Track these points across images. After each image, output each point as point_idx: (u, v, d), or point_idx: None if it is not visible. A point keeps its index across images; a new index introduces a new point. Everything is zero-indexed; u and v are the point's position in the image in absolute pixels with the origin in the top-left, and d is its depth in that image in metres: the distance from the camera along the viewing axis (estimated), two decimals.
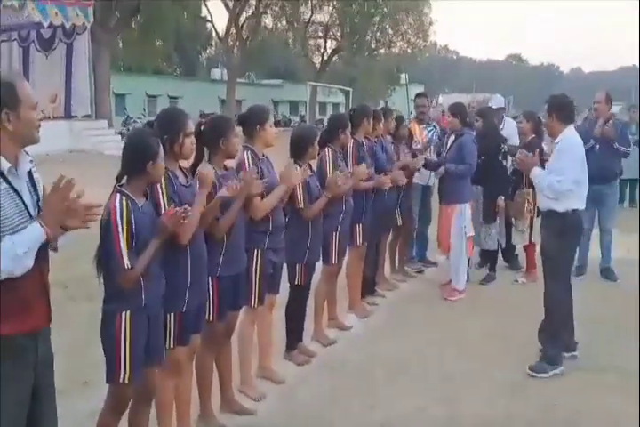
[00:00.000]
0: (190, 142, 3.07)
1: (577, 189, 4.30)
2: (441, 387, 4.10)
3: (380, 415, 3.73)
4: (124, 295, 2.71)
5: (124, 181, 2.77)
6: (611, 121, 6.59)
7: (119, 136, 21.54)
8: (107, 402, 2.88)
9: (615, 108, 11.87)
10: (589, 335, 4.70)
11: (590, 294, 6.10)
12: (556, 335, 4.35)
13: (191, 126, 3.09)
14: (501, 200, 6.35)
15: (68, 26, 19.13)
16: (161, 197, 2.93)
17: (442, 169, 6.01)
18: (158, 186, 2.93)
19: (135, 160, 2.75)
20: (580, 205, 4.37)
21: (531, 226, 6.47)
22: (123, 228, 2.63)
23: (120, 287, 2.69)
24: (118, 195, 2.69)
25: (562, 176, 4.23)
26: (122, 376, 2.74)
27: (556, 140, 4.39)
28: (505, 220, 6.65)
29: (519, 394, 4.01)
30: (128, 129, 24.74)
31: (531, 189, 6.02)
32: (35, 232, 2.10)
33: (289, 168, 3.84)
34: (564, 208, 4.29)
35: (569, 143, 4.35)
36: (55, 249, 2.34)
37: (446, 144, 6.27)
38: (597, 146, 6.51)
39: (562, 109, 4.39)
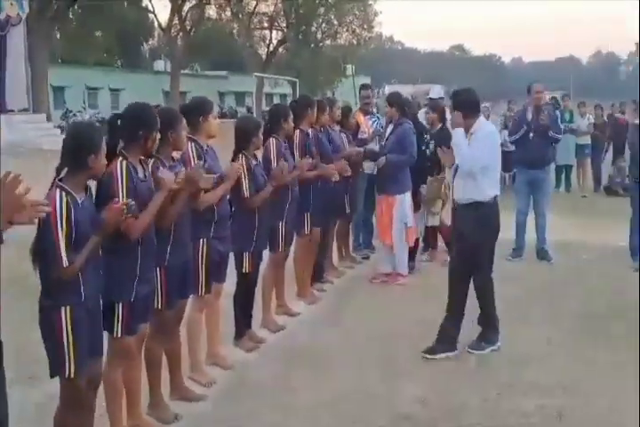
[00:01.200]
0: (158, 137, 3.13)
1: (488, 175, 4.39)
2: (383, 368, 4.23)
3: (324, 395, 3.84)
4: (62, 290, 2.68)
5: (63, 174, 2.73)
6: (546, 111, 6.87)
7: (58, 130, 21.04)
8: (61, 397, 2.86)
9: (557, 96, 12.29)
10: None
11: (525, 274, 6.41)
12: (491, 315, 4.55)
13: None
14: (423, 189, 6.45)
15: (1, 17, 18.53)
16: (120, 191, 2.93)
17: (382, 159, 6.00)
18: (119, 180, 2.92)
19: (76, 153, 2.72)
20: (497, 190, 4.50)
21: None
22: (62, 225, 2.60)
23: (58, 283, 2.66)
24: (58, 190, 2.65)
25: (473, 153, 4.38)
26: (67, 371, 2.72)
27: (470, 131, 4.44)
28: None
29: (458, 375, 4.19)
30: (68, 123, 24.17)
31: (446, 174, 6.26)
32: None
33: (233, 167, 3.92)
34: (485, 197, 4.38)
35: (485, 132, 4.45)
36: (1, 241, 2.34)
37: (384, 134, 6.31)
38: (531, 133, 6.78)
39: (467, 106, 4.46)
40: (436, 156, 5.56)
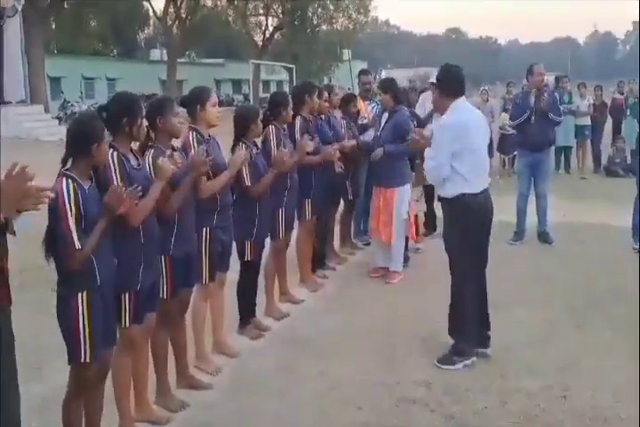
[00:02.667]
0: (144, 124, 3.14)
1: (458, 173, 3.91)
2: (387, 354, 4.27)
3: (329, 381, 3.88)
4: (78, 277, 2.76)
5: (68, 165, 2.80)
6: (546, 93, 6.84)
7: (56, 121, 20.98)
8: (69, 384, 2.92)
9: (551, 78, 12.27)
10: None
11: (526, 257, 6.43)
12: (463, 328, 4.08)
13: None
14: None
15: None
16: (115, 180, 2.96)
17: (379, 151, 5.61)
18: (112, 169, 2.96)
19: (80, 143, 2.79)
20: (470, 188, 3.93)
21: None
22: (71, 209, 2.67)
23: (74, 269, 2.73)
24: (64, 178, 2.73)
25: (435, 161, 3.96)
26: (83, 356, 2.79)
27: (441, 118, 4.07)
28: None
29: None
30: (66, 113, 24.06)
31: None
32: None
33: (237, 155, 3.91)
34: (451, 193, 3.97)
35: (447, 122, 3.95)
36: (14, 233, 2.36)
37: (379, 123, 5.88)
38: (533, 117, 6.76)
39: (447, 82, 4.03)
40: None
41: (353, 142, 5.98)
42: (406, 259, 6.07)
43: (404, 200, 5.69)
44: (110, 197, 2.80)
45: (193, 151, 3.64)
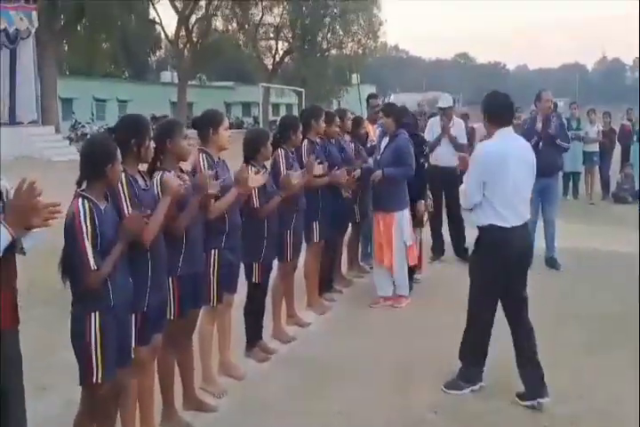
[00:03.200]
0: (152, 146, 3.17)
1: (490, 204, 3.82)
2: (395, 378, 4.24)
3: (336, 405, 3.85)
4: (92, 297, 2.77)
5: (84, 185, 2.83)
6: (554, 118, 6.88)
7: (67, 141, 21.20)
8: (81, 404, 2.93)
9: (560, 104, 12.31)
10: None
11: (534, 282, 6.39)
12: (474, 352, 4.03)
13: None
14: (421, 204, 6.03)
15: (11, 31, 18.74)
16: (123, 201, 2.99)
17: (378, 173, 5.55)
18: (120, 190, 2.99)
19: (95, 164, 2.82)
20: (501, 221, 3.80)
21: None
22: (87, 230, 2.69)
23: (88, 289, 2.74)
24: (80, 198, 2.76)
25: (468, 186, 3.91)
26: (95, 376, 2.79)
27: (480, 144, 4.09)
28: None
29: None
30: (76, 134, 24.34)
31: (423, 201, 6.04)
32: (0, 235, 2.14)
33: (242, 172, 3.92)
34: (480, 221, 3.90)
35: (482, 150, 3.93)
36: (24, 252, 2.38)
37: (379, 147, 5.85)
38: (540, 143, 6.79)
39: (492, 110, 3.95)
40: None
41: (357, 170, 5.82)
42: (411, 286, 5.93)
43: (403, 225, 5.63)
44: (130, 223, 2.82)
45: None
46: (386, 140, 5.73)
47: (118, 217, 2.91)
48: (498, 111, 3.92)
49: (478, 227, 3.94)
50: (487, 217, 3.84)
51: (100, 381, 2.80)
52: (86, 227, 2.69)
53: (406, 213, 5.68)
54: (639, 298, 4.94)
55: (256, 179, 3.99)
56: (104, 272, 2.74)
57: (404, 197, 5.70)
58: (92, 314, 2.77)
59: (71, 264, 2.75)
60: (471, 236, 6.10)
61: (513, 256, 3.86)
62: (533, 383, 3.83)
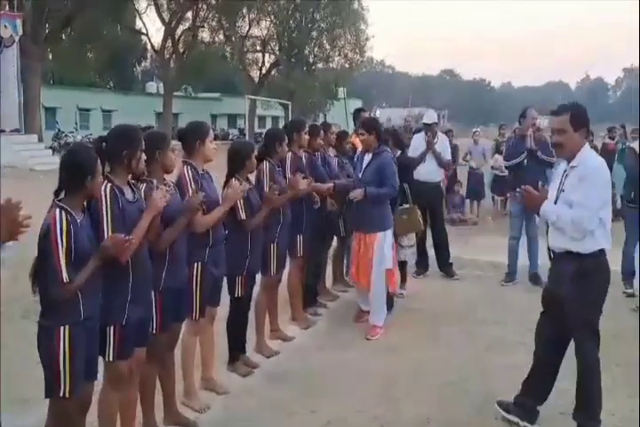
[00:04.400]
0: (143, 158, 3.13)
1: (603, 226, 3.46)
2: (382, 390, 4.22)
3: (320, 419, 3.82)
4: (62, 310, 2.73)
5: (62, 195, 2.79)
6: (539, 134, 6.94)
7: (50, 151, 21.02)
8: (48, 419, 2.87)
9: (544, 121, 12.44)
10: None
11: (519, 300, 6.41)
12: (593, 406, 3.51)
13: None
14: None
15: None
16: (104, 214, 2.92)
17: (359, 191, 5.15)
18: (103, 202, 2.93)
19: (74, 175, 2.78)
20: (607, 243, 3.49)
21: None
22: (62, 241, 2.65)
23: (58, 302, 2.70)
24: (57, 209, 2.71)
25: (587, 210, 3.37)
26: (62, 390, 2.74)
27: (573, 163, 3.48)
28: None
29: (460, 395, 4.16)
30: (59, 144, 24.14)
31: (416, 205, 5.96)
32: None
33: (234, 189, 3.91)
34: (588, 248, 3.44)
35: (592, 167, 3.43)
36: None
37: (360, 164, 5.41)
38: (525, 160, 6.84)
39: (583, 122, 3.48)
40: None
41: (330, 186, 5.40)
42: (390, 305, 5.65)
43: (385, 246, 5.25)
44: (111, 246, 2.77)
45: (190, 190, 3.62)
46: (368, 157, 5.35)
47: (96, 230, 2.85)
48: (586, 125, 3.52)
49: (578, 254, 3.46)
50: (598, 242, 3.45)
51: (67, 395, 2.75)
52: (61, 239, 2.65)
53: (389, 233, 5.33)
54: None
55: (240, 189, 3.99)
56: (76, 285, 2.69)
57: (388, 217, 5.36)
58: (62, 328, 2.72)
59: (43, 275, 2.70)
60: (460, 251, 6.11)
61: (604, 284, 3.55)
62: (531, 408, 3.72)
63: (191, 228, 3.59)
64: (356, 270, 5.47)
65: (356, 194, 5.17)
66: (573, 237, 3.41)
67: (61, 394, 2.74)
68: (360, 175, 5.35)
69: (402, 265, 6.25)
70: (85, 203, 2.89)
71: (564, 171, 3.56)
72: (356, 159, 5.76)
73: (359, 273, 5.43)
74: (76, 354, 2.74)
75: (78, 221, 2.75)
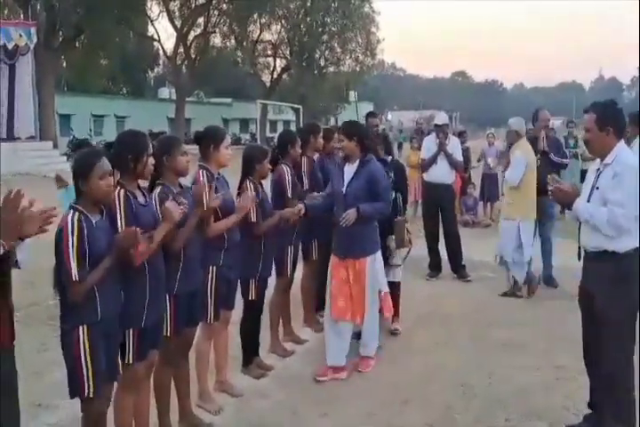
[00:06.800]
0: (151, 162, 3.17)
1: (636, 224, 3.32)
2: (391, 395, 4.22)
3: (331, 423, 3.84)
4: (79, 310, 2.78)
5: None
6: (550, 136, 6.94)
7: (65, 157, 21.20)
8: (82, 421, 2.93)
9: (557, 122, 12.40)
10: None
11: (532, 302, 6.38)
12: (628, 415, 3.38)
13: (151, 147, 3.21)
14: (391, 240, 5.23)
15: (10, 47, 18.87)
16: (119, 216, 2.99)
17: (352, 213, 4.34)
18: (117, 205, 2.99)
19: (80, 177, 2.83)
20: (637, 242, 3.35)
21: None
22: (73, 241, 2.69)
23: (75, 303, 2.74)
24: (72, 211, 2.78)
25: (623, 208, 3.27)
26: (86, 391, 2.79)
27: (606, 160, 3.40)
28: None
29: (465, 402, 4.16)
30: (74, 150, 24.32)
31: (405, 218, 5.32)
32: None
33: (245, 198, 3.95)
34: (624, 247, 3.31)
35: (626, 165, 3.34)
36: (18, 266, 2.37)
37: (341, 175, 4.61)
38: (539, 160, 6.81)
39: (618, 121, 3.44)
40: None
41: (301, 207, 4.55)
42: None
43: (377, 270, 4.58)
44: (124, 237, 2.82)
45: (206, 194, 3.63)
46: (352, 167, 4.56)
47: (114, 232, 2.91)
48: (621, 122, 3.49)
49: (614, 254, 3.33)
50: (634, 239, 3.33)
51: (91, 395, 2.80)
52: (72, 238, 2.70)
53: (378, 255, 4.64)
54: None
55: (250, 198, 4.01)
56: (88, 285, 2.73)
57: (376, 238, 4.64)
58: (80, 327, 2.77)
59: (59, 277, 2.76)
60: (472, 253, 6.01)
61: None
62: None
63: (204, 233, 3.62)
64: (348, 303, 4.55)
65: (350, 217, 4.34)
66: (609, 236, 3.31)
67: (85, 394, 2.79)
68: (344, 189, 4.53)
69: (392, 289, 5.05)
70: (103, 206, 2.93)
71: (598, 169, 3.48)
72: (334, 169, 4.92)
73: (353, 307, 4.56)
74: (96, 354, 2.79)
75: (94, 222, 2.80)
